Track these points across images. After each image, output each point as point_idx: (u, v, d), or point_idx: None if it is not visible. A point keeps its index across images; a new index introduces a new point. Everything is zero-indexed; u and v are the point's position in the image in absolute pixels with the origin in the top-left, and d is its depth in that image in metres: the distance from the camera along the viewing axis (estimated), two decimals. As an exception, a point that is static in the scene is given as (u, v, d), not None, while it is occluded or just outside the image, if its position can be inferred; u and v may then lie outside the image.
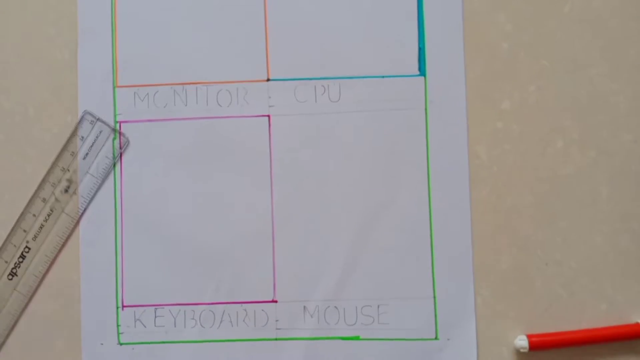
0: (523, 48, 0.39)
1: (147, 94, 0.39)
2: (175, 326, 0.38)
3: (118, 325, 0.38)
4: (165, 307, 0.38)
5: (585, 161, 0.39)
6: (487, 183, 0.39)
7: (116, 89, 0.39)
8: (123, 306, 0.38)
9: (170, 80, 0.39)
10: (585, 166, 0.39)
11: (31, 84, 0.40)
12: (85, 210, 0.39)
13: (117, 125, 0.39)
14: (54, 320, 0.39)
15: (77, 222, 0.39)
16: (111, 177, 0.39)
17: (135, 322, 0.38)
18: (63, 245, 0.39)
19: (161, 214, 0.39)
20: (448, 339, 0.38)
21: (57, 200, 0.39)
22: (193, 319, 0.38)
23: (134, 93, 0.39)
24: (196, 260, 0.39)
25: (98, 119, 0.39)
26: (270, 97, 0.39)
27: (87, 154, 0.39)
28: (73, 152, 0.39)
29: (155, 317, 0.38)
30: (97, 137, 0.39)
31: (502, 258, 0.38)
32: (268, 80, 0.39)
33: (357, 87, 0.39)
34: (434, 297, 0.38)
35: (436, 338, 0.38)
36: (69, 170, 0.39)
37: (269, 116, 0.39)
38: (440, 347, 0.38)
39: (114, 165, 0.39)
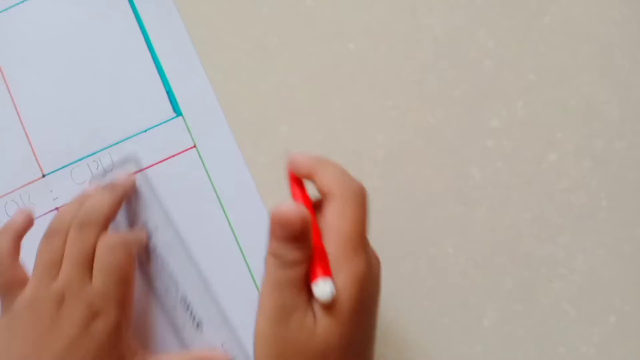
0: (508, 64, 0.39)
1: None
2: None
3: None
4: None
5: (582, 172, 0.38)
6: (483, 203, 0.38)
7: None
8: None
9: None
10: (582, 177, 0.38)
11: None
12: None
13: None
14: None
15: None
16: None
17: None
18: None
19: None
20: None
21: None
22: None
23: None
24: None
25: None
26: (51, 191, 0.39)
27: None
28: None
29: None
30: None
31: (504, 279, 0.38)
32: (43, 176, 0.39)
33: (125, 148, 0.39)
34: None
35: None
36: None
37: (56, 209, 0.39)
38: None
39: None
